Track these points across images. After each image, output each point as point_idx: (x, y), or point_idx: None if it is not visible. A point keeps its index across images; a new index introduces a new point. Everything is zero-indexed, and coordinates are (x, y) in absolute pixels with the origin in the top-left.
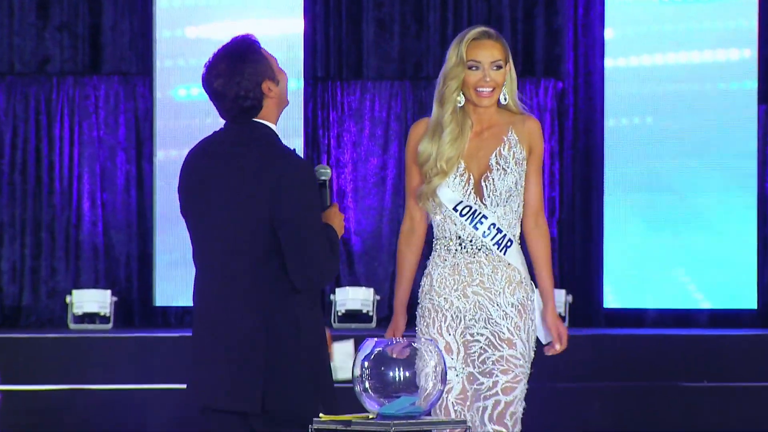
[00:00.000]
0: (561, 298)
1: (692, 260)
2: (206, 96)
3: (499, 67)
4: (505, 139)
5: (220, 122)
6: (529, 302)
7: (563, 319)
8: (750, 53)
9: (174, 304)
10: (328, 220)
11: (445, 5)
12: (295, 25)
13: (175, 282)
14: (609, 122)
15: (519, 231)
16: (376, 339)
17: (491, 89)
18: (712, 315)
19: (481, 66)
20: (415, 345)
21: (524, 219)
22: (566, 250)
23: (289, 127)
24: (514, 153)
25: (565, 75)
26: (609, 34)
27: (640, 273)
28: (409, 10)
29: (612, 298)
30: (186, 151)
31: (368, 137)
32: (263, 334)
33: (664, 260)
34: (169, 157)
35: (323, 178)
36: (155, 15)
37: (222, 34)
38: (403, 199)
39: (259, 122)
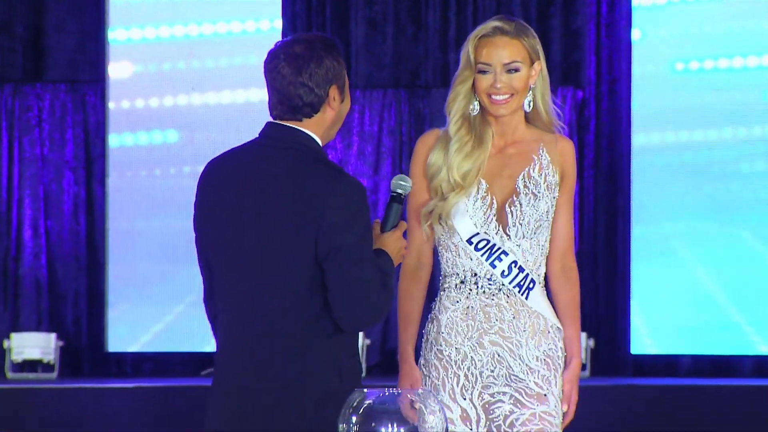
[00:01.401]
0: (582, 342)
1: (734, 299)
2: (167, 108)
3: (516, 70)
4: (536, 158)
5: (192, 139)
6: (559, 353)
7: (583, 367)
8: None
9: (130, 349)
10: (385, 245)
11: (446, 3)
12: (272, 25)
13: (131, 324)
14: (637, 138)
15: (544, 270)
16: (365, 390)
17: (507, 95)
18: (758, 362)
19: (491, 69)
20: (410, 397)
21: (549, 260)
22: (588, 286)
23: None
24: (545, 175)
25: (586, 83)
26: (636, 35)
27: (673, 313)
28: (405, 9)
29: (641, 343)
30: (143, 173)
31: (356, 155)
32: (304, 381)
33: (701, 299)
34: (124, 179)
35: (399, 191)
36: (108, 13)
37: (187, 35)
38: None
39: (304, 131)
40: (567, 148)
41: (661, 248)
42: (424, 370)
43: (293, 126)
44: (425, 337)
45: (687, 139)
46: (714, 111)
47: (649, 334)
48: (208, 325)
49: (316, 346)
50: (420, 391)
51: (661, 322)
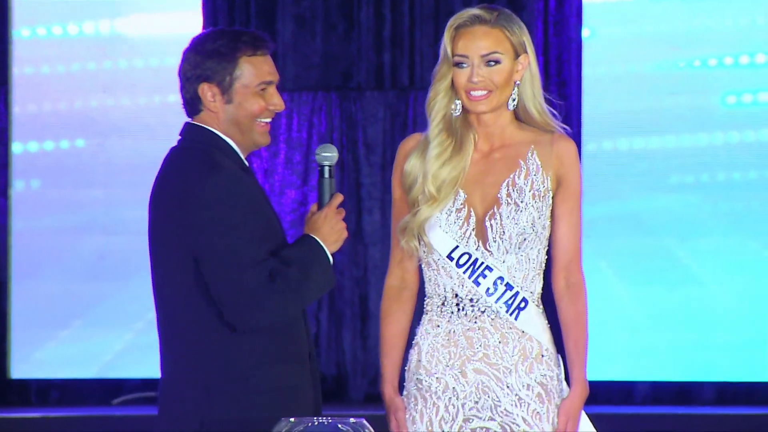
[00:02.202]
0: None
1: (693, 321)
2: (77, 112)
3: (496, 62)
4: (523, 163)
5: (104, 146)
6: (555, 381)
7: None
8: (765, 59)
9: (35, 376)
10: (315, 228)
11: None
12: (191, 22)
13: (36, 348)
14: (588, 146)
15: (540, 286)
16: (293, 419)
17: (485, 92)
18: (719, 389)
19: (468, 62)
20: (341, 427)
21: (552, 275)
22: None
23: None
24: (532, 182)
25: None
26: (587, 34)
27: (629, 337)
28: (336, 5)
29: (594, 369)
30: (50, 183)
31: (284, 164)
32: (193, 389)
33: (658, 321)
34: (29, 189)
35: (325, 164)
36: (12, 9)
37: (98, 33)
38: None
39: (203, 127)
40: (565, 149)
41: (614, 267)
42: (405, 401)
43: (198, 124)
44: (408, 365)
45: (642, 147)
46: (671, 116)
47: (601, 359)
48: (118, 350)
49: (215, 350)
50: (352, 420)
51: (615, 346)
